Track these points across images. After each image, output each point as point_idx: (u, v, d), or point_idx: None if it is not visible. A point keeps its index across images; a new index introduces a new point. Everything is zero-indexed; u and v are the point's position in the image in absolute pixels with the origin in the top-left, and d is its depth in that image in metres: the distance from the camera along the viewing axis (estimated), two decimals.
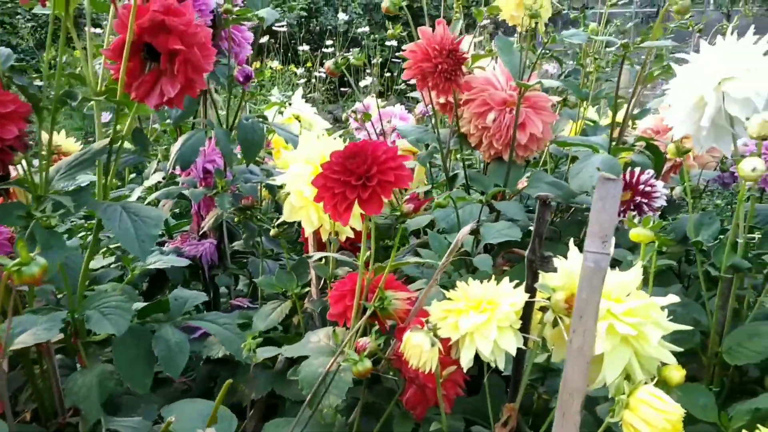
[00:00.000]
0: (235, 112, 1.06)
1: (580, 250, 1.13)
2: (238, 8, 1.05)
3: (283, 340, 0.96)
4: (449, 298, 0.72)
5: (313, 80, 3.26)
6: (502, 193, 1.12)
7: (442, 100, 1.13)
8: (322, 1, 4.42)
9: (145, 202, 1.13)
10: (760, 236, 0.88)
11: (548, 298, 0.67)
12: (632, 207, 0.95)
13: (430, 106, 1.15)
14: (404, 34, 1.16)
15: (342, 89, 3.34)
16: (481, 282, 0.70)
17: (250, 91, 1.17)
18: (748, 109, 0.78)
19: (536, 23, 1.42)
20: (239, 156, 1.20)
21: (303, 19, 4.35)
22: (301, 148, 0.92)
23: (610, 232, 0.45)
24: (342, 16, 3.29)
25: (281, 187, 0.94)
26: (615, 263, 0.74)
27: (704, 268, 0.87)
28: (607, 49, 1.20)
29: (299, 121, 1.56)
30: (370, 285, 0.76)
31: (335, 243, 0.93)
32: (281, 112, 1.46)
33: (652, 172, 0.96)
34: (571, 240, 0.70)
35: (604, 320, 0.64)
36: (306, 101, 1.66)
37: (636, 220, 0.71)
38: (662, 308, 0.70)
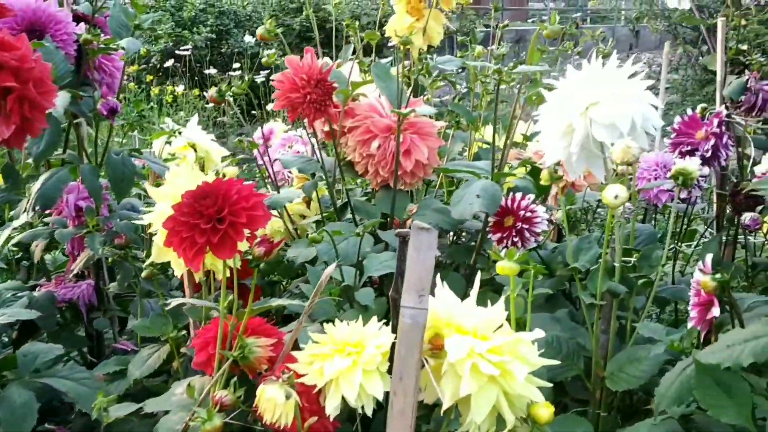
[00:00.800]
0: (104, 146, 1.00)
1: (471, 277, 1.12)
2: (105, 38, 1.00)
3: (159, 389, 0.90)
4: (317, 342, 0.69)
5: (222, 104, 3.19)
6: (398, 221, 1.10)
7: (326, 127, 1.10)
8: (231, 23, 4.36)
9: (10, 244, 1.06)
10: (636, 258, 0.88)
11: None
12: (514, 233, 0.94)
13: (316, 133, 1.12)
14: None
15: (253, 112, 3.29)
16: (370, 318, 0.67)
17: (129, 123, 1.11)
18: (614, 134, 0.78)
19: (428, 46, 1.42)
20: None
21: (212, 42, 4.29)
22: (169, 184, 0.87)
23: (427, 284, 0.42)
24: (249, 39, 3.24)
25: (149, 226, 0.89)
26: None
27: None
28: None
29: (195, 150, 1.50)
30: (241, 329, 0.72)
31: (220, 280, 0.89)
32: (169, 142, 1.40)
33: (532, 196, 0.96)
34: (438, 277, 0.68)
35: (468, 359, 0.62)
36: (214, 125, 1.61)
37: (503, 253, 0.69)
38: (533, 342, 0.68)
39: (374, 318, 0.69)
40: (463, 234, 1.16)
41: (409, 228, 1.21)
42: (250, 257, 0.66)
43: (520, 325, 0.94)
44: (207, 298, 0.93)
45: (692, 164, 0.85)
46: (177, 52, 3.56)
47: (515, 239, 0.94)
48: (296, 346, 0.77)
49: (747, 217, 0.83)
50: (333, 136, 1.01)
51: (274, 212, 1.25)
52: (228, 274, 0.78)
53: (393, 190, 1.04)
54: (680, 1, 1.06)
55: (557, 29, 0.89)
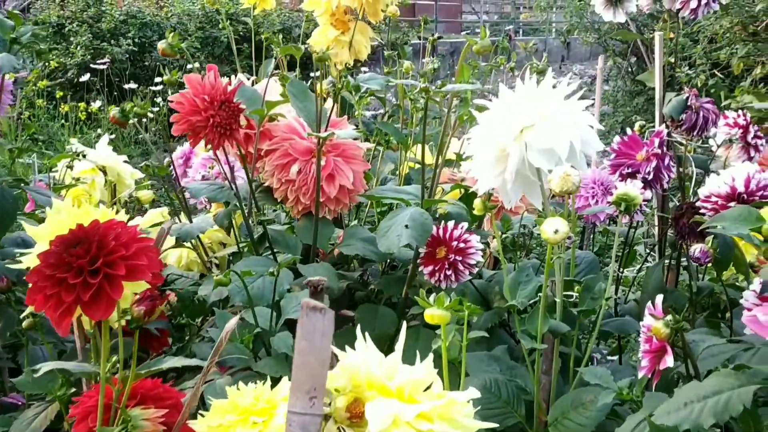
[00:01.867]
0: None
1: (404, 309, 1.03)
2: None
3: None
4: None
5: (144, 120, 3.03)
6: (323, 252, 1.01)
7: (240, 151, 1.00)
8: (155, 36, 4.16)
9: None
10: (578, 292, 0.81)
11: (330, 404, 0.55)
12: (447, 266, 0.86)
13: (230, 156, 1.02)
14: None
15: None
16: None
17: (19, 148, 0.99)
18: (552, 160, 0.71)
19: (356, 60, 1.33)
20: None
21: (133, 55, 4.08)
22: (48, 222, 0.76)
23: (322, 382, 0.33)
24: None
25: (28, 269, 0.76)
26: None
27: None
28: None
29: (104, 173, 1.37)
30: (125, 398, 0.61)
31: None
32: (70, 166, 1.27)
33: (465, 224, 0.88)
34: (359, 328, 0.59)
35: (393, 430, 0.53)
36: (135, 143, 1.48)
37: (431, 299, 0.61)
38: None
39: (284, 380, 0.60)
40: (395, 262, 1.07)
41: (337, 257, 1.12)
42: (128, 318, 0.55)
43: (455, 367, 0.86)
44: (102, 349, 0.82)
45: (634, 189, 0.78)
46: (92, 65, 3.35)
47: (448, 272, 0.86)
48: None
49: (696, 249, 0.77)
50: (244, 161, 0.91)
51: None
52: (123, 323, 0.67)
53: (315, 219, 0.94)
54: (615, 14, 1.01)
55: (487, 44, 0.82)
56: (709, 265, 0.93)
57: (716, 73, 3.02)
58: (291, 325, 0.87)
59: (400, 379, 0.56)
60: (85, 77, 3.28)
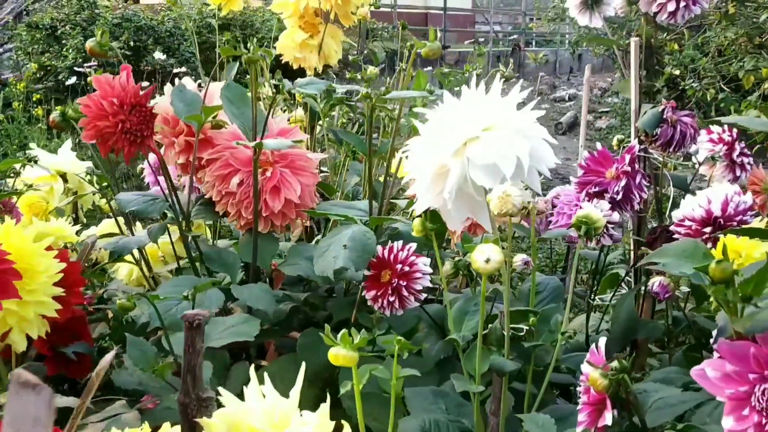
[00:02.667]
0: None
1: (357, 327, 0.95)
2: None
3: None
4: None
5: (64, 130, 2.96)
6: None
7: (181, 159, 0.92)
8: (150, 40, 4.10)
9: None
10: (533, 323, 0.73)
11: None
12: (390, 291, 0.78)
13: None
14: None
15: None
16: None
17: None
18: (496, 177, 0.62)
19: (320, 67, 1.26)
20: None
21: (127, 59, 3.99)
22: None
23: None
24: (160, 56, 3.02)
25: None
26: None
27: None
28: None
29: (65, 180, 1.30)
30: None
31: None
32: (17, 173, 1.21)
33: (413, 246, 0.80)
34: (252, 368, 0.51)
35: None
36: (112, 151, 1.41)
37: (339, 336, 0.53)
38: None
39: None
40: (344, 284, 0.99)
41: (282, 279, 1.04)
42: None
43: (397, 402, 0.78)
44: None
45: (596, 211, 0.70)
46: (77, 68, 3.29)
47: (391, 298, 0.78)
48: None
49: (655, 282, 0.68)
50: (164, 168, 0.83)
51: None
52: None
53: (254, 235, 0.86)
54: (591, 19, 0.93)
55: (435, 47, 0.74)
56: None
57: (723, 87, 2.92)
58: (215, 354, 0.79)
59: (290, 430, 0.48)
60: (72, 80, 3.23)
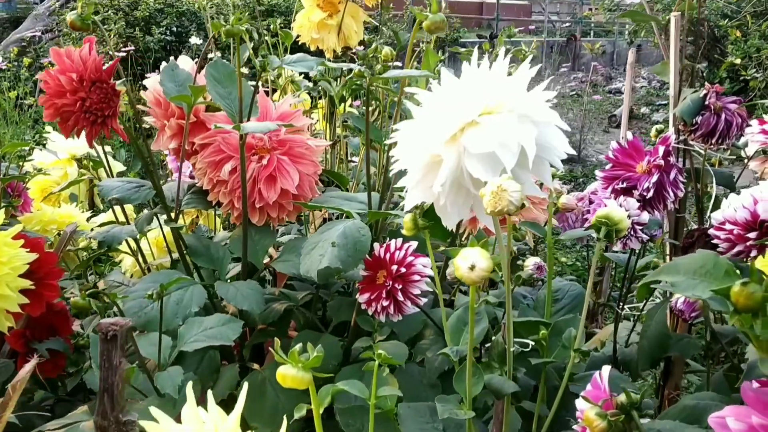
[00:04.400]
0: None
1: (353, 340, 0.87)
2: None
3: None
4: None
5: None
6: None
7: (173, 144, 0.86)
8: (192, 25, 4.07)
9: None
10: (542, 336, 0.64)
11: None
12: (384, 295, 0.70)
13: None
14: None
15: None
16: None
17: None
18: (494, 168, 0.53)
19: (339, 48, 1.18)
20: None
21: (169, 45, 3.99)
22: None
23: None
24: (196, 40, 2.97)
25: None
26: None
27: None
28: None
29: (80, 165, 1.26)
30: None
31: None
32: (22, 157, 1.17)
33: (413, 244, 0.71)
34: (189, 387, 0.44)
35: None
36: (136, 130, 1.37)
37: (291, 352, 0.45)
38: None
39: None
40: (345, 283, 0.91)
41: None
42: None
43: (389, 423, 0.70)
44: None
45: (618, 210, 0.60)
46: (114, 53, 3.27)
47: (385, 303, 0.70)
48: None
49: (679, 299, 0.58)
50: (143, 156, 0.76)
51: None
52: None
53: (243, 228, 0.79)
54: None
55: (438, 20, 0.65)
56: None
57: None
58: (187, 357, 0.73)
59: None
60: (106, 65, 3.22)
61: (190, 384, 0.45)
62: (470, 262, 0.46)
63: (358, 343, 0.81)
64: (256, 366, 0.86)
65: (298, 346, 0.44)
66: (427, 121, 0.58)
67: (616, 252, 0.88)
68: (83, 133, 1.30)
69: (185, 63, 0.87)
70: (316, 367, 0.83)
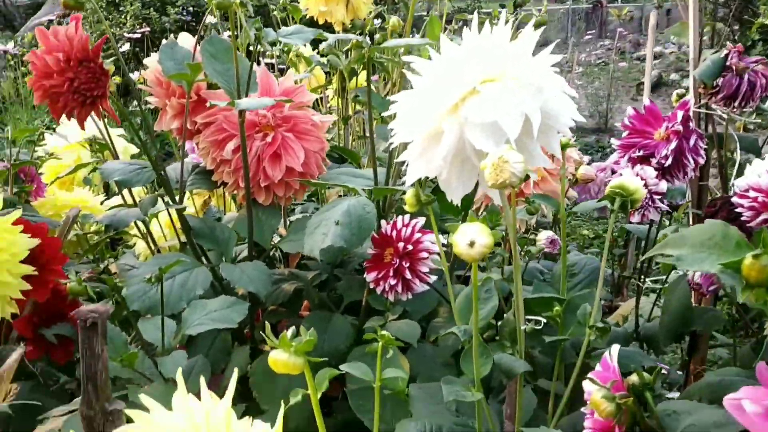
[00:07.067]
0: None
1: (365, 320, 0.85)
2: None
3: None
4: None
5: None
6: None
7: (175, 124, 0.84)
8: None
9: None
10: (557, 313, 0.61)
11: None
12: (391, 273, 0.68)
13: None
14: None
15: None
16: None
17: None
18: (498, 138, 0.51)
19: (348, 21, 1.15)
20: None
21: (186, 25, 3.96)
22: None
23: None
24: (211, 19, 2.94)
25: None
26: None
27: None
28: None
29: (91, 149, 1.25)
30: None
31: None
32: (32, 141, 1.16)
33: (420, 221, 0.69)
34: (179, 374, 0.42)
35: None
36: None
37: (283, 336, 0.43)
38: None
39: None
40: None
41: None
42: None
43: (400, 404, 0.68)
44: None
45: (633, 180, 0.57)
46: (128, 35, 3.26)
47: (392, 282, 0.67)
48: None
49: (696, 273, 0.55)
50: (138, 137, 0.75)
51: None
52: None
53: (248, 207, 0.77)
54: None
55: None
56: None
57: None
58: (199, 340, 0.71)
59: None
60: (125, 47, 3.20)
61: (179, 370, 0.43)
62: (469, 238, 0.43)
63: (370, 322, 0.79)
64: (267, 347, 0.84)
65: (289, 331, 0.42)
66: (426, 91, 0.55)
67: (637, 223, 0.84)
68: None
69: (186, 41, 0.85)
70: (329, 348, 0.82)
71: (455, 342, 0.76)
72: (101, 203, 1.21)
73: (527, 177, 0.48)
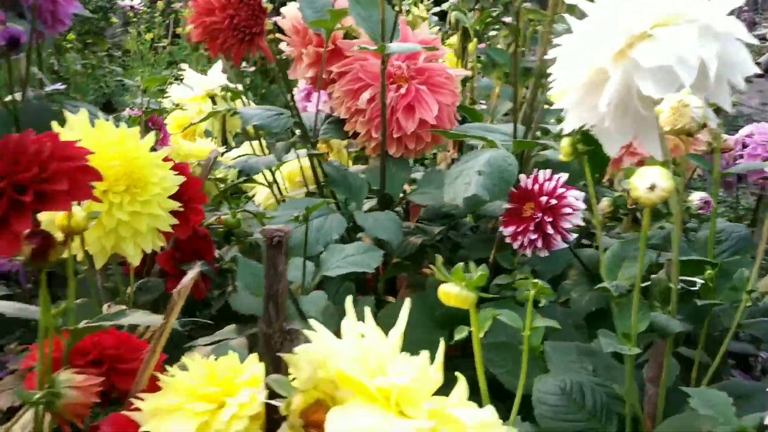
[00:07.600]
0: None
1: (493, 275, 0.84)
2: None
3: None
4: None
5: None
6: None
7: (310, 73, 0.85)
8: None
9: None
10: (709, 276, 0.59)
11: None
12: (532, 228, 0.67)
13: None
14: None
15: None
16: None
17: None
18: (669, 85, 0.48)
19: None
20: None
21: None
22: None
23: None
24: None
25: None
26: None
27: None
28: None
29: (213, 101, 1.29)
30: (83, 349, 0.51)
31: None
32: (163, 90, 1.20)
33: (564, 176, 0.67)
34: (349, 301, 0.44)
35: None
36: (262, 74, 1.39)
37: (453, 271, 0.43)
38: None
39: (253, 357, 0.45)
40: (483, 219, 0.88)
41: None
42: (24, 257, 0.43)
43: (534, 361, 0.67)
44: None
45: None
46: None
47: (533, 236, 0.66)
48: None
49: None
50: (279, 83, 0.75)
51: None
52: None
53: (381, 158, 0.78)
54: None
55: None
56: None
57: None
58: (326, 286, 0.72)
59: (385, 379, 0.39)
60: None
61: (350, 297, 0.44)
62: (650, 181, 0.42)
63: (496, 280, 0.78)
64: (391, 298, 0.85)
65: (460, 264, 0.42)
66: (590, 34, 0.53)
67: None
68: (216, 69, 1.33)
69: None
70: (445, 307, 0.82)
71: (588, 303, 0.74)
72: (221, 154, 1.25)
73: (704, 125, 0.46)
